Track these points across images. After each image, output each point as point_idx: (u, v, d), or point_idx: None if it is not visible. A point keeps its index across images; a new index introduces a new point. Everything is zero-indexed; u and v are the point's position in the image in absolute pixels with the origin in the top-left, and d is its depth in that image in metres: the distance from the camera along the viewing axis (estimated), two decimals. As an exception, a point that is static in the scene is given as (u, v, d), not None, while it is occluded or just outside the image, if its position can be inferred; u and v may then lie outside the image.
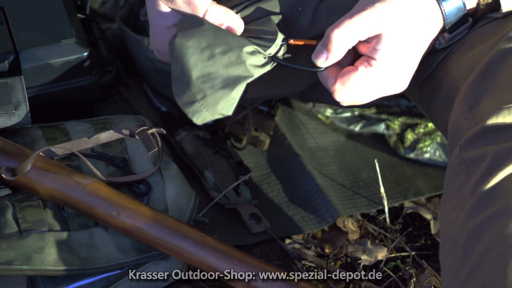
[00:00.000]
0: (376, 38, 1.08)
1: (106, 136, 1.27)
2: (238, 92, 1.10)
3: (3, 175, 1.18)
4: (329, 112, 1.57)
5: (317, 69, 1.12)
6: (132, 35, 1.45)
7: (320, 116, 1.57)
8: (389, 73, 1.09)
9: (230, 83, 1.09)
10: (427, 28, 1.09)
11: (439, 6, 1.08)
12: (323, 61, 1.10)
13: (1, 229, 1.18)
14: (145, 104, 1.55)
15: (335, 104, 1.22)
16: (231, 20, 1.12)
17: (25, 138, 1.30)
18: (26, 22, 1.35)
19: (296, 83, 1.20)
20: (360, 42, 1.09)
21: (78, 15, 1.44)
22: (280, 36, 1.12)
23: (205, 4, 1.11)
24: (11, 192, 1.23)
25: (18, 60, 1.32)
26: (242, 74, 1.10)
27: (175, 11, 1.12)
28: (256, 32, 1.13)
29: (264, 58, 1.12)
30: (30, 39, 1.33)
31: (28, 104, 1.27)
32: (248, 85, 1.13)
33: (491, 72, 1.06)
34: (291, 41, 1.13)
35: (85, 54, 1.35)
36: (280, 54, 1.13)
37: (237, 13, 1.14)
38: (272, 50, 1.12)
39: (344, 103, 1.12)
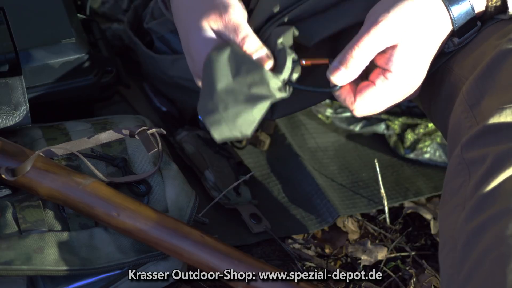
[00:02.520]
0: (391, 49, 1.08)
1: (106, 136, 1.27)
2: (259, 111, 1.10)
3: (3, 176, 1.18)
4: (329, 112, 1.57)
5: (332, 89, 1.11)
6: (147, 52, 1.44)
7: (320, 116, 1.57)
8: (404, 82, 1.10)
9: (252, 100, 1.10)
10: (437, 33, 1.09)
11: (448, 11, 1.08)
12: (341, 79, 1.10)
13: (1, 229, 1.18)
14: (145, 104, 1.55)
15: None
16: (263, 53, 1.12)
17: (25, 138, 1.30)
18: (26, 22, 1.35)
19: (320, 95, 1.20)
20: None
21: (78, 15, 1.44)
22: (290, 59, 1.12)
23: (247, 30, 1.12)
24: (11, 192, 1.23)
25: (18, 60, 1.32)
26: (265, 94, 1.10)
27: (218, 37, 1.13)
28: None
29: (280, 81, 1.12)
30: (30, 39, 1.33)
31: (28, 104, 1.27)
32: (274, 106, 1.14)
33: (492, 72, 1.06)
34: (303, 62, 1.13)
35: (85, 54, 1.35)
36: (295, 76, 1.13)
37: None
38: (285, 74, 1.12)
39: (363, 115, 1.13)
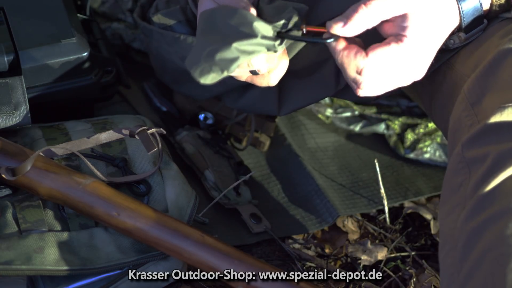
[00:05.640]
0: (402, 17, 1.06)
1: (106, 136, 1.27)
2: (239, 48, 1.08)
3: (3, 175, 1.18)
4: (329, 112, 1.57)
5: (326, 40, 1.08)
6: (168, 33, 1.42)
7: (320, 116, 1.57)
8: (417, 53, 1.07)
9: (233, 36, 1.08)
10: (445, 23, 1.09)
11: (458, 5, 1.09)
12: (339, 28, 1.07)
13: (1, 229, 1.18)
14: (145, 104, 1.55)
15: (351, 99, 1.20)
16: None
17: (25, 138, 1.30)
18: (26, 22, 1.35)
19: (326, 89, 1.19)
20: (384, 22, 1.08)
21: (78, 15, 1.44)
22: (293, 15, 1.11)
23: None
24: (11, 192, 1.23)
25: (18, 60, 1.32)
26: (247, 32, 1.08)
27: None
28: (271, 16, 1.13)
29: (273, 32, 1.10)
30: (30, 39, 1.33)
31: (28, 104, 1.27)
32: (280, 102, 1.12)
33: (494, 70, 1.07)
34: (304, 27, 1.11)
35: (85, 54, 1.35)
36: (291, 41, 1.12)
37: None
38: (280, 23, 1.10)
39: (367, 87, 1.09)
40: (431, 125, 1.54)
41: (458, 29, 1.11)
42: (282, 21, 1.10)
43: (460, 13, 1.09)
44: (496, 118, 1.02)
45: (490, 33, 1.12)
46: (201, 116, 1.50)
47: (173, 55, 1.41)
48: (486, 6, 1.11)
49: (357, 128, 1.56)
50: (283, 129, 1.55)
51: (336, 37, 1.08)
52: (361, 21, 1.06)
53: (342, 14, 1.07)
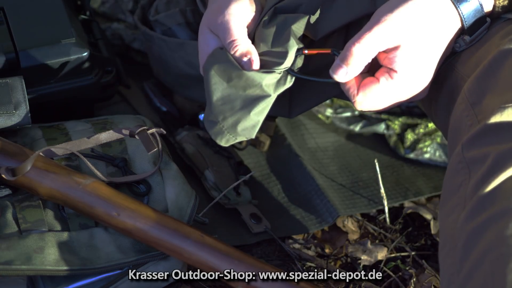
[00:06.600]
0: (395, 49, 1.08)
1: (106, 136, 1.27)
2: (258, 113, 1.13)
3: (3, 175, 1.18)
4: (329, 112, 1.57)
5: (332, 81, 1.11)
6: (171, 40, 1.42)
7: (320, 116, 1.57)
8: (410, 83, 1.10)
9: (248, 104, 1.13)
10: (444, 32, 1.09)
11: (457, 9, 1.08)
12: (343, 76, 1.10)
13: (1, 229, 1.18)
14: (145, 104, 1.55)
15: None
16: (250, 56, 1.13)
17: (25, 138, 1.30)
18: (26, 22, 1.35)
19: (333, 88, 1.20)
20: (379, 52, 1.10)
21: (78, 15, 1.44)
22: (293, 49, 1.12)
23: (237, 34, 1.13)
24: (11, 192, 1.23)
25: (18, 60, 1.32)
26: (260, 94, 1.12)
27: (217, 39, 1.15)
28: (268, 50, 1.14)
29: (279, 73, 1.12)
30: (30, 39, 1.33)
31: (28, 104, 1.27)
32: (290, 104, 1.19)
33: (495, 70, 1.06)
34: (305, 52, 1.13)
35: (85, 54, 1.35)
36: (297, 65, 1.14)
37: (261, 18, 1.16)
38: (287, 63, 1.12)
39: (364, 110, 1.13)
40: (431, 125, 1.54)
41: (462, 32, 1.11)
42: (286, 60, 1.12)
43: (460, 16, 1.09)
44: (496, 119, 1.02)
45: (491, 33, 1.12)
46: (201, 116, 1.50)
47: (178, 60, 1.42)
48: (488, 8, 1.10)
49: (357, 128, 1.56)
50: (283, 129, 1.55)
51: None
52: (359, 61, 1.09)
53: (339, 57, 1.10)
